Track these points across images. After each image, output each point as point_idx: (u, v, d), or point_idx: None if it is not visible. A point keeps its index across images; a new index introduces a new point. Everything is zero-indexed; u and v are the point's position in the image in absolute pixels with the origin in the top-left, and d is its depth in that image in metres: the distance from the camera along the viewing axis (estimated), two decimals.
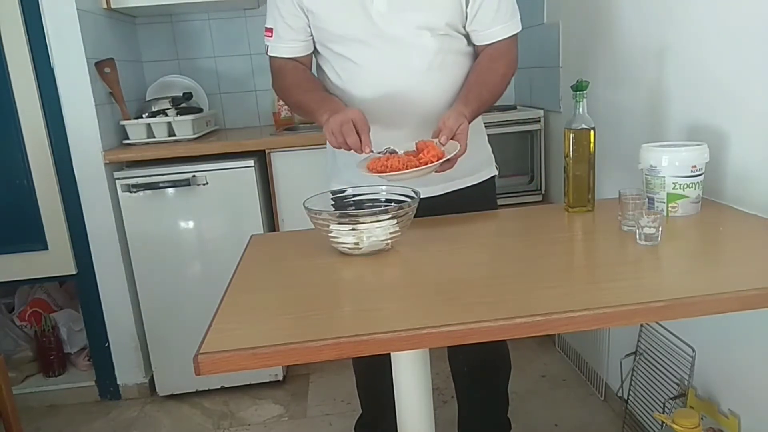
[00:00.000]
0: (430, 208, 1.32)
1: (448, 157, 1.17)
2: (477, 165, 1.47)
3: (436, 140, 1.22)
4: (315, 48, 1.41)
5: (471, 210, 1.36)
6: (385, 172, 1.16)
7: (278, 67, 1.42)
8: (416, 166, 1.15)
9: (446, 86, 1.35)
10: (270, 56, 1.42)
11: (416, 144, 1.23)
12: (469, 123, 1.26)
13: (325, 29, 1.33)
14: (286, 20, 1.35)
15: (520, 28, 1.38)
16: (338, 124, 1.20)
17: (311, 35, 1.38)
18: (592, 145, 1.26)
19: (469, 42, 1.39)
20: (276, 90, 1.46)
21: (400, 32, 1.29)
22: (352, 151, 1.22)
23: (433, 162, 1.16)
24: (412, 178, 1.15)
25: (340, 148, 1.23)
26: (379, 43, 1.30)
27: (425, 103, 1.33)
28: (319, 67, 1.43)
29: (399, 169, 1.15)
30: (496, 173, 1.54)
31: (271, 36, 1.39)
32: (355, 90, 1.35)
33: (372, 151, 1.21)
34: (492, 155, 1.55)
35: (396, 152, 1.22)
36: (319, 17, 1.32)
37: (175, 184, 2.07)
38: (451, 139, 1.20)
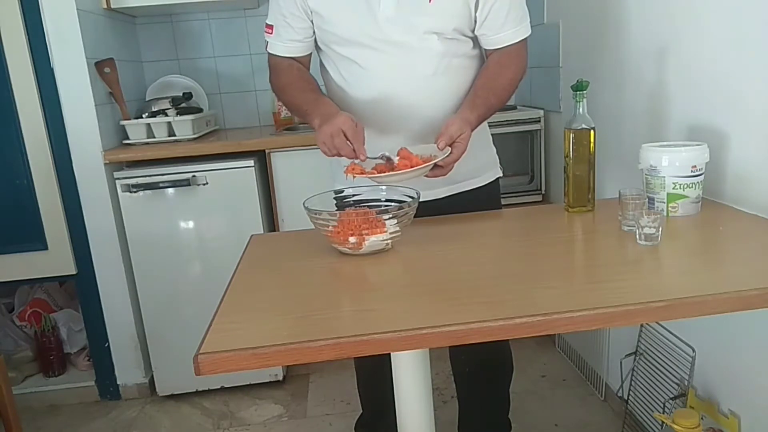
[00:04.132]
0: (434, 211, 1.32)
1: (435, 161, 1.17)
2: (481, 167, 1.47)
3: (433, 144, 1.22)
4: (319, 47, 1.40)
5: (475, 212, 1.36)
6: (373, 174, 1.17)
7: (275, 64, 1.42)
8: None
9: (451, 90, 1.35)
10: (268, 52, 1.42)
11: (398, 151, 1.22)
12: (474, 129, 1.26)
13: (331, 31, 1.32)
14: (288, 20, 1.35)
15: (529, 32, 1.36)
16: (329, 136, 1.19)
17: (312, 36, 1.38)
18: (592, 145, 1.26)
19: (476, 45, 1.38)
20: (272, 86, 1.46)
21: (406, 36, 1.28)
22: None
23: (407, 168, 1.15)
24: (398, 181, 1.16)
25: (333, 157, 1.23)
26: (385, 46, 1.29)
27: (429, 107, 1.33)
28: (322, 66, 1.43)
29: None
30: (501, 175, 1.54)
31: (271, 33, 1.39)
32: (359, 92, 1.35)
33: (367, 158, 1.20)
34: (497, 157, 1.54)
35: (391, 158, 1.22)
36: (325, 19, 1.31)
37: (175, 184, 2.07)
38: (450, 145, 1.19)
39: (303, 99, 1.34)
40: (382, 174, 1.15)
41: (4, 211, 2.09)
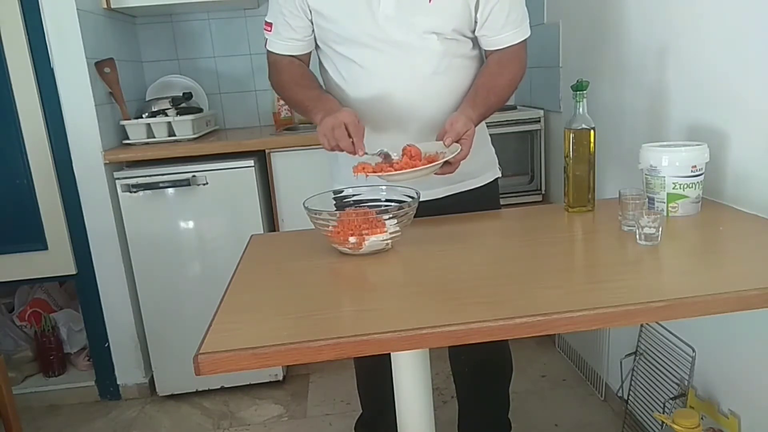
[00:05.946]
0: (433, 211, 1.32)
1: (446, 159, 1.17)
2: (480, 168, 1.47)
3: (439, 142, 1.21)
4: (319, 46, 1.40)
5: (475, 212, 1.36)
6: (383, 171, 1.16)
7: (274, 61, 1.42)
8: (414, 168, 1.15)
9: (451, 90, 1.35)
10: (267, 50, 1.42)
11: (403, 148, 1.22)
12: (476, 126, 1.26)
13: (331, 30, 1.32)
14: (287, 18, 1.35)
15: (529, 33, 1.36)
16: (329, 128, 1.20)
17: (311, 35, 1.38)
18: (592, 145, 1.26)
19: (475, 45, 1.38)
20: (272, 84, 1.45)
21: (406, 36, 1.28)
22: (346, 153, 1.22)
23: (417, 166, 1.15)
24: (411, 178, 1.15)
25: (333, 150, 1.23)
26: (384, 46, 1.29)
27: (429, 107, 1.33)
28: (321, 65, 1.43)
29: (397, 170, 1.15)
30: (500, 175, 1.54)
31: (270, 31, 1.39)
32: (357, 92, 1.35)
33: (366, 154, 1.20)
34: (495, 157, 1.54)
35: (390, 155, 1.22)
36: (325, 18, 1.31)
37: (175, 184, 2.07)
38: (456, 142, 1.20)
39: (305, 96, 1.34)
40: (395, 172, 1.15)
41: (4, 211, 2.09)
